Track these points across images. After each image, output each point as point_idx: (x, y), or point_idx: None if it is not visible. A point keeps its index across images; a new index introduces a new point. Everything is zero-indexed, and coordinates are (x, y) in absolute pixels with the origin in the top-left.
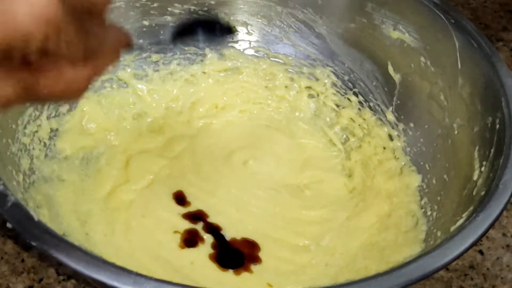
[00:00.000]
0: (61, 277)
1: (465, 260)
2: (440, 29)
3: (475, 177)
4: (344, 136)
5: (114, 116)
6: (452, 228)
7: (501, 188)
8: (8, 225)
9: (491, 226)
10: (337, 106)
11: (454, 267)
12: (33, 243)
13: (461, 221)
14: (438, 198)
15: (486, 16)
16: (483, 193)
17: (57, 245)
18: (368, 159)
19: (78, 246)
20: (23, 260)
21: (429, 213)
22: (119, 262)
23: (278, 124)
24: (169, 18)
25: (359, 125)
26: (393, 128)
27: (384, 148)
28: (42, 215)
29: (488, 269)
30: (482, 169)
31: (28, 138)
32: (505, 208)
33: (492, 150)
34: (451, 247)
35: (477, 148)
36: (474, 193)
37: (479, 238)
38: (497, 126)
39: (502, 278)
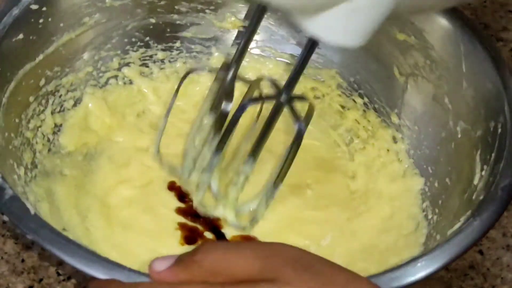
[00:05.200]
0: (61, 277)
1: (465, 260)
2: (446, 31)
3: (475, 181)
4: (349, 137)
5: (118, 113)
6: (449, 232)
7: (500, 193)
8: (5, 218)
9: (488, 231)
10: (342, 107)
11: (454, 267)
12: (29, 236)
13: (458, 225)
14: (440, 201)
15: (486, 16)
16: (482, 197)
17: (52, 239)
18: (372, 162)
19: (73, 240)
20: (23, 260)
21: (430, 216)
22: (118, 258)
23: (282, 124)
24: (175, 16)
25: (363, 126)
26: (397, 130)
27: (388, 150)
28: (43, 209)
29: (488, 269)
30: (483, 173)
31: (32, 133)
32: (502, 213)
33: (493, 155)
34: (445, 251)
35: (479, 152)
36: (473, 197)
37: (475, 243)
38: (499, 130)
39: (502, 278)
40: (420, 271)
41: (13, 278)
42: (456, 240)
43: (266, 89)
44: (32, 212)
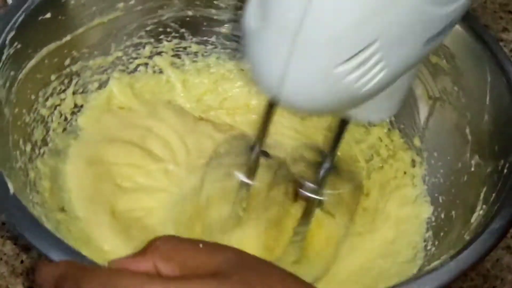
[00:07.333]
0: None
1: None
2: (476, 60)
3: (472, 220)
4: (369, 154)
5: (143, 101)
6: (426, 268)
7: (486, 236)
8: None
9: (463, 273)
10: (368, 123)
11: None
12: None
13: (435, 263)
14: (441, 234)
15: (486, 16)
16: (468, 238)
17: (21, 218)
18: (387, 182)
19: (42, 225)
20: (22, 261)
21: (429, 247)
22: (114, 250)
23: (306, 132)
24: (213, 11)
25: (385, 145)
26: (417, 154)
27: (405, 173)
28: (43, 187)
29: (488, 270)
30: (480, 212)
31: (48, 111)
32: (485, 257)
33: (494, 195)
34: None
35: (484, 189)
36: (465, 236)
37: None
38: (505, 170)
39: (502, 279)
40: None
41: (12, 279)
42: (424, 278)
43: None
44: (11, 191)
